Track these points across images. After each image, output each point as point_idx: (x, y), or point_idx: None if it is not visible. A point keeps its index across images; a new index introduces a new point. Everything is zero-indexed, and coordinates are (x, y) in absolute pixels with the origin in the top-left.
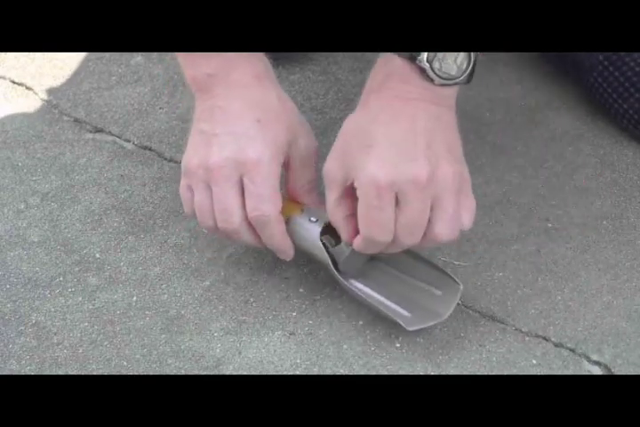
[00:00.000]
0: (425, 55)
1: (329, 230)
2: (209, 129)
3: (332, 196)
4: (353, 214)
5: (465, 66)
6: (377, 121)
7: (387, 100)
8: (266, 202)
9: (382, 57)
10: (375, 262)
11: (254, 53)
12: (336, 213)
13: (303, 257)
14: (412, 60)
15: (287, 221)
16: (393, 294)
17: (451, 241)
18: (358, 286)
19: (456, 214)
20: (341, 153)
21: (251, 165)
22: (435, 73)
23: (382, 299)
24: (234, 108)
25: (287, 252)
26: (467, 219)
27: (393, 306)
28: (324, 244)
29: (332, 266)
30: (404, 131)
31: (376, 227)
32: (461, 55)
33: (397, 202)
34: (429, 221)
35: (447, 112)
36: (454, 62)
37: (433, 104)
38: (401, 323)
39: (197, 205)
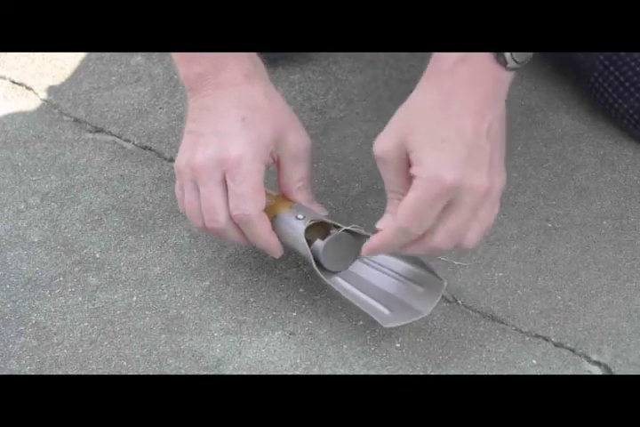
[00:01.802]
0: None
1: (314, 228)
2: (197, 129)
3: (397, 178)
4: None
5: None
6: (448, 110)
7: (460, 86)
8: (247, 201)
9: None
10: (359, 259)
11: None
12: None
13: (302, 258)
14: None
15: (274, 218)
16: (374, 291)
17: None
18: (339, 283)
19: (489, 225)
20: (403, 132)
21: (232, 164)
22: (512, 56)
23: (362, 295)
24: (220, 108)
25: (273, 250)
26: (473, 238)
27: (372, 302)
28: (308, 241)
29: (314, 263)
30: (474, 130)
31: (417, 221)
32: None
33: (448, 206)
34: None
35: (504, 110)
36: None
37: (499, 99)
38: (377, 320)
39: (186, 204)
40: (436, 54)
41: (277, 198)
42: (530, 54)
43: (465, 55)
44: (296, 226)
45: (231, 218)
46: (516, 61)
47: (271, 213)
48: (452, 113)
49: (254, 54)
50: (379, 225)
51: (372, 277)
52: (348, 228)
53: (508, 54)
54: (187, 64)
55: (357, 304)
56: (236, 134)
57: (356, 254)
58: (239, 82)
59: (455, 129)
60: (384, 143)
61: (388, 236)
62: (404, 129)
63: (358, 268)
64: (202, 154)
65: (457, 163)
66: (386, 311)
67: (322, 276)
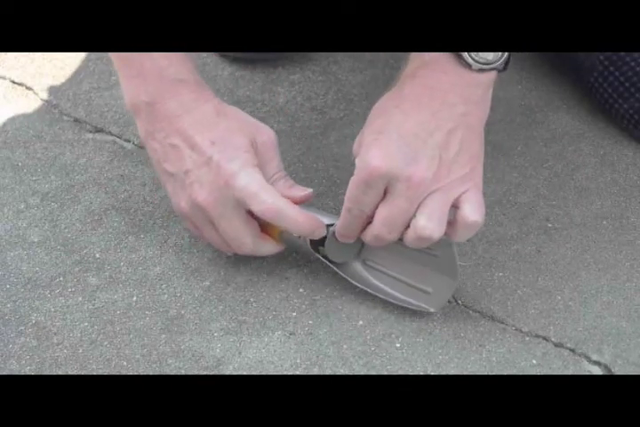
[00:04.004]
0: None
1: (322, 242)
2: (176, 170)
3: None
4: None
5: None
6: (399, 108)
7: (418, 88)
8: (263, 194)
9: None
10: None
11: (192, 75)
12: None
13: (302, 258)
14: None
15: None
16: (403, 271)
17: (434, 237)
18: (371, 279)
19: (441, 209)
20: (362, 132)
21: (232, 180)
22: (472, 58)
23: (397, 285)
24: (186, 141)
25: (315, 228)
26: (470, 210)
27: (410, 290)
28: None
29: (340, 271)
30: (419, 125)
31: (355, 204)
32: None
33: (385, 194)
34: (414, 215)
35: (474, 110)
36: None
37: (462, 99)
38: (426, 308)
39: (209, 240)
40: (406, 62)
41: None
42: (495, 55)
43: (429, 60)
44: (303, 245)
45: (256, 236)
46: (479, 63)
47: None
48: (401, 111)
49: (196, 73)
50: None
51: (393, 254)
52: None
53: (467, 56)
54: (134, 91)
55: (401, 297)
56: (217, 159)
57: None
58: (189, 108)
59: (396, 124)
60: (354, 144)
61: (342, 218)
62: (364, 129)
63: (381, 249)
64: (200, 191)
65: (386, 152)
66: (424, 295)
67: (351, 279)
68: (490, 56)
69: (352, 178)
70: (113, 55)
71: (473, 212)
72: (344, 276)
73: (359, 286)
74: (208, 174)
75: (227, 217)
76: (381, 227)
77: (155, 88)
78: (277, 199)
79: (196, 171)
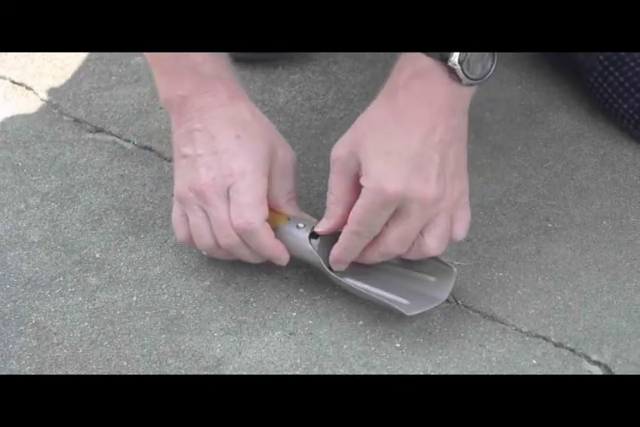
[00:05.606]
0: (456, 56)
1: (316, 235)
2: (192, 152)
3: (341, 183)
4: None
5: (489, 65)
6: (399, 124)
7: (413, 100)
8: (250, 210)
9: (407, 54)
10: None
11: (227, 73)
12: (345, 200)
13: (309, 264)
14: (444, 60)
15: (275, 232)
16: (389, 286)
17: (437, 255)
18: (351, 282)
19: (447, 230)
20: (355, 143)
21: (236, 177)
22: (464, 73)
23: (379, 291)
24: (212, 128)
25: (281, 257)
26: (460, 230)
27: (391, 295)
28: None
29: (325, 266)
30: (422, 143)
31: (366, 226)
32: (486, 55)
33: (396, 213)
34: (421, 233)
35: (462, 122)
36: (480, 62)
37: (453, 112)
38: (399, 309)
39: (194, 226)
40: (394, 68)
41: (271, 213)
42: (482, 71)
43: (421, 70)
44: (299, 235)
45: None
46: (469, 78)
47: (271, 226)
48: (402, 128)
49: (230, 71)
50: (317, 229)
51: (384, 274)
52: None
53: (459, 71)
54: (168, 87)
55: (375, 298)
56: (234, 151)
57: None
58: (224, 103)
59: (402, 142)
60: (339, 149)
61: (345, 242)
62: (358, 140)
63: (368, 267)
64: (205, 175)
65: (399, 174)
66: (404, 301)
67: (335, 276)
68: (478, 71)
69: (360, 201)
70: (146, 52)
71: (462, 231)
72: (332, 274)
73: (343, 283)
74: (218, 162)
75: (217, 205)
76: (394, 246)
77: (191, 83)
78: (258, 219)
79: (208, 157)
